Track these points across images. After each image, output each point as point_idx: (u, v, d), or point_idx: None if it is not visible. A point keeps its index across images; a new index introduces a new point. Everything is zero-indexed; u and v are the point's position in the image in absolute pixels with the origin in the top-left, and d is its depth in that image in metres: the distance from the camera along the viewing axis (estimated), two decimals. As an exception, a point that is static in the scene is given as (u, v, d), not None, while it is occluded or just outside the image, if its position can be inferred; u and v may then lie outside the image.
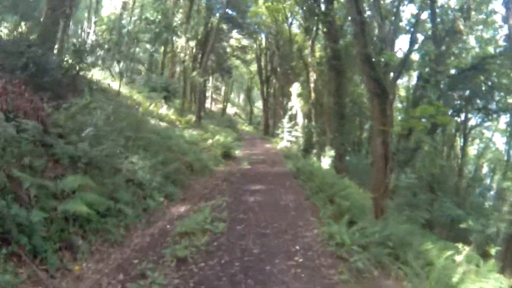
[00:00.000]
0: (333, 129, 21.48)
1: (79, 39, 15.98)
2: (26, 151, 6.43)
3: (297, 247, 6.59)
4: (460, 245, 13.49)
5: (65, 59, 11.85)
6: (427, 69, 19.08)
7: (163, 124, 17.34)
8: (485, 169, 37.55)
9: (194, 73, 25.72)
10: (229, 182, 12.22)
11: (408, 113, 17.87)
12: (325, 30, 21.83)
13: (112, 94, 15.53)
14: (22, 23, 12.72)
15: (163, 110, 20.02)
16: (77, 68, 11.72)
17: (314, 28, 25.63)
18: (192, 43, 29.49)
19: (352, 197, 9.87)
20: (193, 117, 23.02)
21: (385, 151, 12.01)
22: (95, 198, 6.57)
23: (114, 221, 6.92)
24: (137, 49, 34.74)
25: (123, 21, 33.28)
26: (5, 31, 12.06)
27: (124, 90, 20.24)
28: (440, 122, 15.58)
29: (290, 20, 33.70)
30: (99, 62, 13.32)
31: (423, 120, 13.24)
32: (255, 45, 40.05)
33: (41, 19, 12.41)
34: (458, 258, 10.92)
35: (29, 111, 7.60)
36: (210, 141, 18.50)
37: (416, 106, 21.00)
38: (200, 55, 29.40)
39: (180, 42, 28.76)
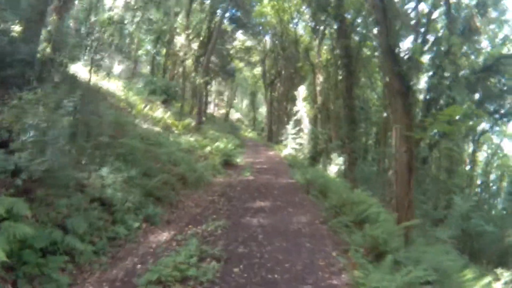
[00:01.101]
0: (343, 135, 19.33)
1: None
2: None
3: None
4: (499, 271, 11.43)
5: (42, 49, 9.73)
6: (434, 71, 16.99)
7: (156, 129, 15.27)
8: (492, 176, 35.41)
9: (194, 74, 23.71)
10: (227, 197, 9.98)
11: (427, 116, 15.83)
12: (335, 27, 19.96)
13: (99, 92, 13.40)
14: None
15: (159, 113, 17.87)
16: (55, 60, 9.59)
17: (322, 27, 23.76)
18: (195, 45, 27.52)
19: (381, 221, 7.61)
20: (192, 122, 20.93)
21: (409, 160, 10.17)
22: (31, 230, 4.45)
23: (59, 262, 4.78)
24: (139, 52, 32.80)
25: (125, 21, 31.52)
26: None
27: (120, 92, 18.23)
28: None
29: (296, 20, 31.88)
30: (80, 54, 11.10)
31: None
32: (259, 47, 37.91)
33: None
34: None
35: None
36: (209, 148, 16.35)
37: (428, 110, 19.50)
38: (202, 57, 27.35)
39: (179, 39, 26.63)
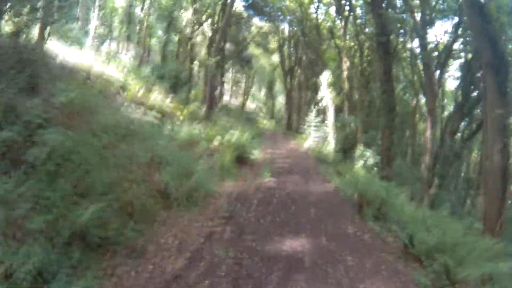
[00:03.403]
0: (382, 125, 14.89)
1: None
2: None
3: None
4: None
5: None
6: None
7: (153, 114, 11.19)
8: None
9: (205, 55, 19.71)
10: (237, 225, 5.61)
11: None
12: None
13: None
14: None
15: (155, 97, 13.69)
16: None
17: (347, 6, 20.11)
18: (208, 29, 23.48)
19: None
20: (200, 108, 16.90)
21: (505, 162, 7.10)
22: None
23: None
24: (150, 39, 28.78)
25: (136, 9, 27.70)
26: None
27: (118, 76, 14.20)
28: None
29: (316, 3, 27.51)
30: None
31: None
32: (277, 33, 33.43)
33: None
34: None
35: None
36: (218, 139, 12.02)
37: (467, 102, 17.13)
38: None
39: (186, 15, 22.34)
